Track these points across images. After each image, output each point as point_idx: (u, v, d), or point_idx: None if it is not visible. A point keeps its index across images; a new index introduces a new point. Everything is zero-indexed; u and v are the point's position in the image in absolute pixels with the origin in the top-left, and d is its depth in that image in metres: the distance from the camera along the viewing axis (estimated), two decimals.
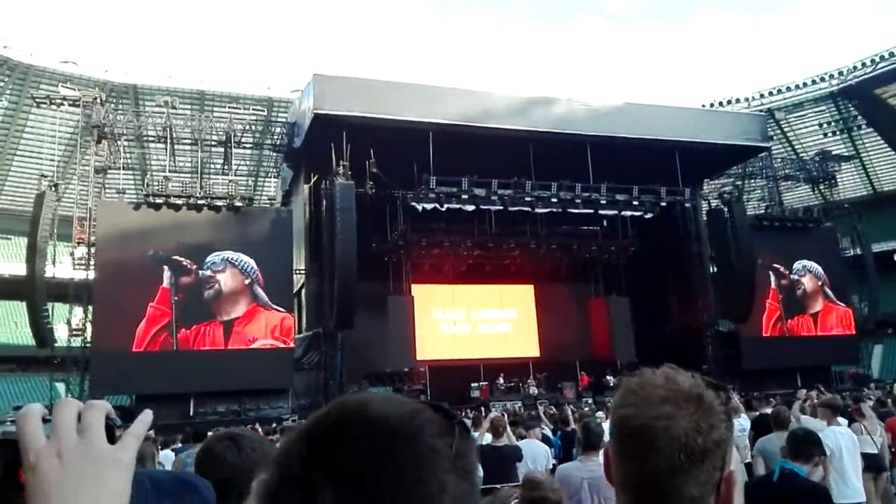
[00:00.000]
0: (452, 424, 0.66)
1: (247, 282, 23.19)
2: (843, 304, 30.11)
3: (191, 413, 21.58)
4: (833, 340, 29.13)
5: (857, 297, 31.45)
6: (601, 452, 6.15)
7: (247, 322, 23.01)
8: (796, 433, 4.82)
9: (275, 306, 23.35)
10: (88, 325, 22.62)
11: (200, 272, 22.71)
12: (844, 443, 6.46)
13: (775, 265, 28.87)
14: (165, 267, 22.38)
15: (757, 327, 28.02)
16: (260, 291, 23.26)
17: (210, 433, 4.46)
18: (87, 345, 22.45)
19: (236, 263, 23.16)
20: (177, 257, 22.51)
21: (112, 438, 0.67)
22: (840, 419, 7.32)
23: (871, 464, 7.35)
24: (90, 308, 22.69)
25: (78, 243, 23.52)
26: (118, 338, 21.45)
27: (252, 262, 23.27)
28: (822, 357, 28.41)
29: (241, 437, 2.07)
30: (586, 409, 16.49)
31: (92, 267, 22.65)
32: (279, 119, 30.76)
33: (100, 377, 21.55)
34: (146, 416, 0.73)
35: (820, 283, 29.75)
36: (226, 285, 22.98)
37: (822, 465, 5.87)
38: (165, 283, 22.33)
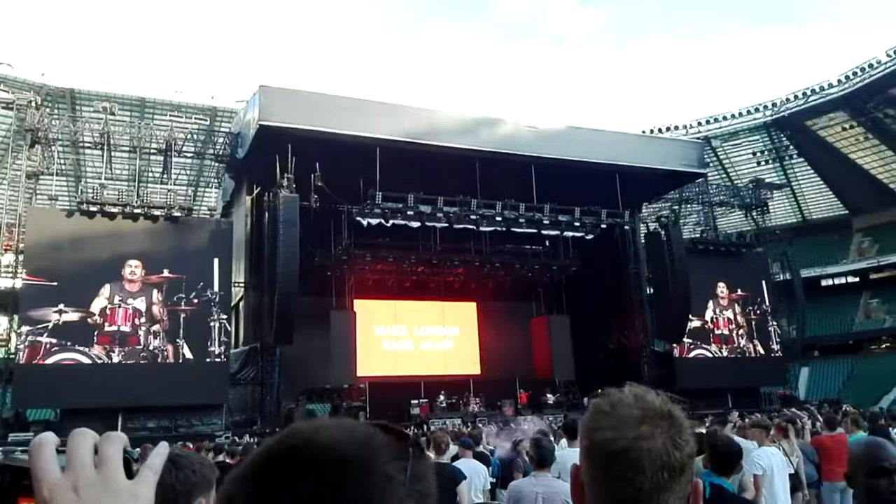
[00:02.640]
0: (406, 447, 0.64)
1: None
2: (763, 339, 30.89)
3: (119, 428, 20.78)
4: (762, 362, 30.12)
5: (786, 321, 32.62)
6: (559, 470, 6.22)
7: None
8: (718, 447, 4.82)
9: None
10: (13, 336, 21.65)
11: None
12: (776, 462, 6.62)
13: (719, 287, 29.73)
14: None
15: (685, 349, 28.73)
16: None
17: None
18: (11, 356, 21.47)
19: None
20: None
21: (129, 472, 0.64)
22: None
23: (790, 483, 7.61)
24: (15, 318, 21.73)
25: (5, 250, 22.60)
26: (44, 350, 20.56)
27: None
28: (752, 378, 29.32)
29: (179, 459, 2.03)
30: (535, 427, 16.53)
31: (20, 275, 21.74)
32: (222, 129, 30.23)
33: (24, 390, 20.59)
34: (163, 449, 0.70)
35: (748, 310, 30.71)
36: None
37: (754, 485, 6.05)
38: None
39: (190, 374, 21.81)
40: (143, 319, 22.04)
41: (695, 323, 28.47)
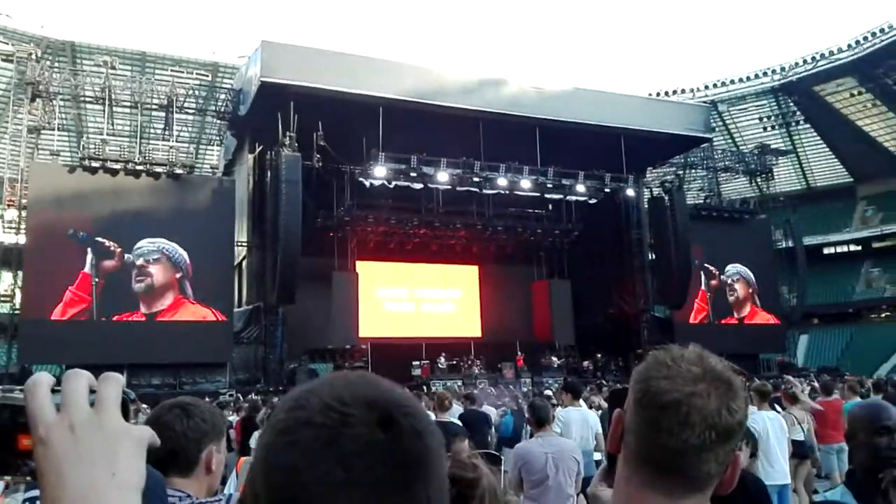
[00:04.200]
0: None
1: (178, 275, 22.44)
2: (768, 311, 30.98)
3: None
4: (761, 329, 30.29)
5: (787, 289, 32.70)
6: (561, 429, 6.28)
7: (171, 314, 22.34)
8: None
9: (200, 302, 22.68)
10: (17, 292, 21.76)
11: (127, 256, 21.81)
12: (772, 427, 6.78)
13: (707, 266, 29.62)
14: (88, 249, 21.44)
15: (688, 316, 28.87)
16: (188, 287, 22.55)
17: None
18: (16, 311, 21.62)
19: (171, 255, 22.38)
20: (100, 239, 21.51)
21: (126, 413, 0.64)
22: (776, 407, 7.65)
23: (797, 450, 7.75)
24: (20, 273, 21.81)
25: (8, 205, 22.55)
26: (48, 305, 20.69)
27: (185, 254, 22.49)
28: (751, 345, 29.51)
29: (191, 406, 2.05)
30: (524, 389, 16.78)
31: (23, 231, 21.75)
32: (224, 85, 29.91)
33: (28, 345, 20.81)
34: (113, 379, 0.69)
35: (750, 290, 30.78)
36: (157, 280, 22.22)
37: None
38: (87, 268, 21.36)
39: (194, 331, 21.96)
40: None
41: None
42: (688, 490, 1.00)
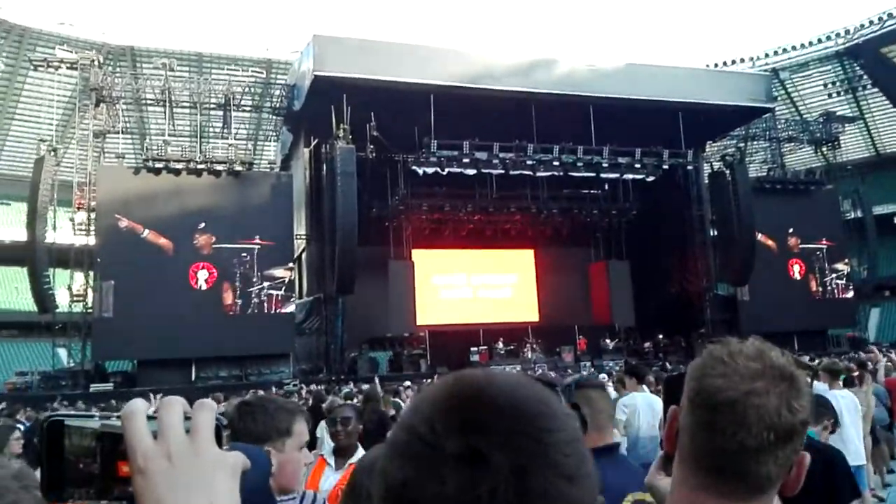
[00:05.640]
0: (555, 390, 0.70)
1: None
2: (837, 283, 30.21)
3: (192, 378, 21.79)
4: (830, 304, 29.23)
5: (857, 261, 31.45)
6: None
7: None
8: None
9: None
10: (89, 291, 22.71)
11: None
12: (846, 405, 6.56)
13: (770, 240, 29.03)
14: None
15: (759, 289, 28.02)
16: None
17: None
18: (89, 310, 22.56)
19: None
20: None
21: (220, 440, 0.66)
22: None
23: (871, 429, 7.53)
24: (91, 273, 22.74)
25: (78, 208, 23.47)
26: (120, 303, 21.51)
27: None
28: (819, 321, 28.52)
29: (246, 407, 2.06)
30: (585, 373, 16.64)
31: (92, 232, 22.64)
32: (278, 81, 30.36)
33: (101, 343, 21.70)
34: (207, 407, 0.70)
35: (816, 261, 29.89)
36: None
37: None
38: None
39: (258, 324, 22.54)
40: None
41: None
42: (747, 494, 0.95)
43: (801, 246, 29.58)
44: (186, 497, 0.61)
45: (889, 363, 10.91)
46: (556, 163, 23.88)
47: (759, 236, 27.51)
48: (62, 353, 24.90)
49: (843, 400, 6.70)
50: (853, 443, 6.49)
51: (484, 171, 23.81)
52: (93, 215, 22.65)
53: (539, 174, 24.52)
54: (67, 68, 25.83)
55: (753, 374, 0.96)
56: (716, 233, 28.57)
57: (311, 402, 10.85)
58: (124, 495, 0.65)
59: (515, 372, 0.64)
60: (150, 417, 0.65)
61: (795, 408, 0.95)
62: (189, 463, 0.62)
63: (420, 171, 23.17)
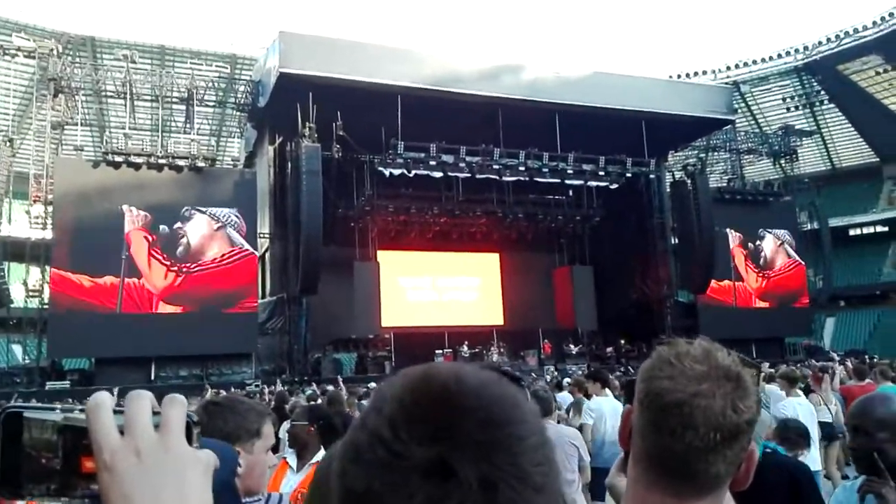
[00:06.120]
0: (520, 386, 0.65)
1: (216, 226, 22.72)
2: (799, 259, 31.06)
3: (152, 377, 21.34)
4: (787, 312, 29.96)
5: (812, 271, 32.30)
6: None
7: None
8: (788, 423, 4.98)
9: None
10: (46, 286, 22.09)
11: (162, 227, 22.21)
12: (802, 412, 6.74)
13: (738, 234, 29.64)
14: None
15: (719, 297, 28.61)
16: (235, 234, 22.91)
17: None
18: (45, 306, 21.96)
19: (205, 212, 22.75)
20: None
21: (190, 436, 0.63)
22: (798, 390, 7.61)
23: (826, 432, 7.71)
24: (47, 268, 22.14)
25: (34, 201, 22.83)
26: (76, 300, 20.98)
27: (225, 211, 22.96)
28: (777, 329, 29.22)
29: (215, 407, 2.03)
30: (548, 377, 16.77)
31: (49, 226, 22.04)
32: (243, 77, 30.00)
33: (57, 340, 21.13)
34: (177, 402, 0.67)
35: (779, 243, 30.55)
36: (193, 235, 22.47)
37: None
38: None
39: (220, 323, 22.17)
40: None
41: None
42: (697, 492, 0.97)
43: (762, 234, 30.30)
44: (156, 495, 0.57)
45: (844, 372, 11.22)
46: (521, 168, 24.04)
47: (734, 245, 28.37)
48: (17, 349, 24.20)
49: (801, 407, 6.89)
50: (809, 450, 6.65)
51: (450, 174, 23.85)
52: (50, 208, 22.04)
53: (505, 178, 24.65)
54: (25, 56, 25.14)
55: (699, 375, 0.97)
56: (676, 240, 29.07)
57: (273, 403, 10.72)
58: (88, 492, 0.62)
59: (482, 367, 0.61)
60: (115, 411, 0.61)
61: (741, 408, 0.96)
62: (159, 460, 0.59)
63: (387, 173, 23.08)
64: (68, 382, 21.07)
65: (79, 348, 21.96)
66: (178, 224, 22.31)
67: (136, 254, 21.73)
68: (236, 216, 23.02)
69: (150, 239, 21.94)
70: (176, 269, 22.02)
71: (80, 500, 0.63)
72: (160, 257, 21.98)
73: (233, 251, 22.86)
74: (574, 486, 4.78)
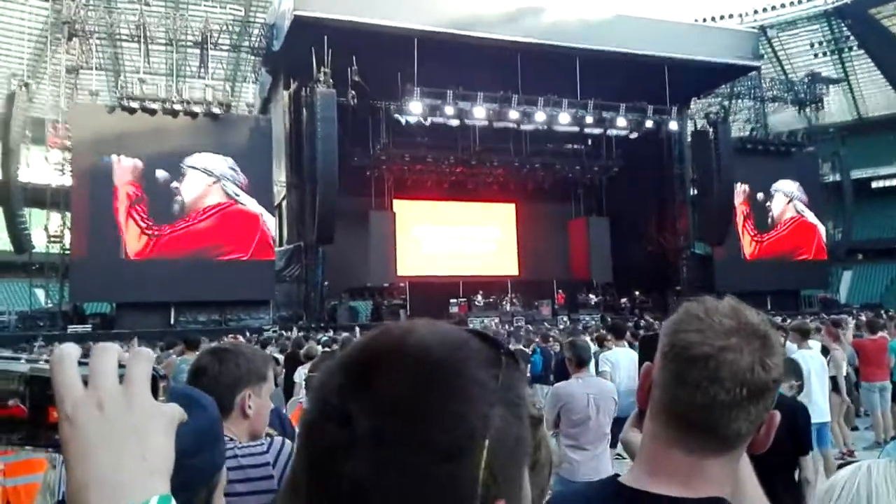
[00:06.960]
0: (500, 355, 0.62)
1: (211, 182, 22.64)
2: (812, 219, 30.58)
3: (171, 321, 21.71)
4: (803, 265, 29.72)
5: (832, 223, 31.88)
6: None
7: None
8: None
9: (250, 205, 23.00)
10: (66, 232, 22.33)
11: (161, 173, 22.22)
12: (813, 366, 6.73)
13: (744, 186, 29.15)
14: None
15: (734, 250, 28.37)
16: (232, 187, 22.82)
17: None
18: (66, 251, 22.23)
19: (198, 167, 22.61)
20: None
21: (156, 390, 0.62)
22: (811, 342, 7.59)
23: (834, 386, 7.72)
24: (68, 214, 22.33)
25: (51, 147, 22.89)
26: (97, 245, 21.21)
27: (221, 162, 22.80)
28: (793, 281, 29.07)
29: (225, 352, 2.05)
30: (562, 326, 16.86)
31: (69, 172, 22.15)
32: (258, 20, 29.51)
33: (79, 284, 21.47)
34: (143, 356, 0.66)
35: (788, 200, 30.06)
36: (188, 194, 22.44)
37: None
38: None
39: (239, 270, 22.38)
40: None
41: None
42: (716, 449, 0.96)
43: (773, 189, 29.87)
44: (117, 448, 0.56)
45: (857, 325, 11.15)
46: (539, 116, 23.66)
47: (738, 202, 27.95)
48: (40, 293, 24.63)
49: (812, 360, 6.87)
50: (819, 401, 6.67)
51: (467, 122, 23.54)
52: (68, 154, 22.10)
53: (523, 127, 24.33)
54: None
55: (728, 330, 0.96)
56: (695, 192, 28.71)
57: (289, 349, 10.86)
58: (52, 442, 0.61)
59: (464, 331, 0.59)
60: (81, 363, 0.60)
61: (769, 365, 0.95)
62: (121, 413, 0.58)
63: (403, 120, 22.85)
64: (90, 326, 21.53)
65: (100, 293, 22.32)
66: (175, 183, 22.19)
67: (118, 210, 21.71)
68: (232, 168, 22.80)
69: (135, 195, 21.78)
70: (150, 232, 21.84)
71: (43, 448, 0.64)
72: (138, 217, 21.82)
73: (219, 205, 22.70)
74: (607, 439, 4.84)
